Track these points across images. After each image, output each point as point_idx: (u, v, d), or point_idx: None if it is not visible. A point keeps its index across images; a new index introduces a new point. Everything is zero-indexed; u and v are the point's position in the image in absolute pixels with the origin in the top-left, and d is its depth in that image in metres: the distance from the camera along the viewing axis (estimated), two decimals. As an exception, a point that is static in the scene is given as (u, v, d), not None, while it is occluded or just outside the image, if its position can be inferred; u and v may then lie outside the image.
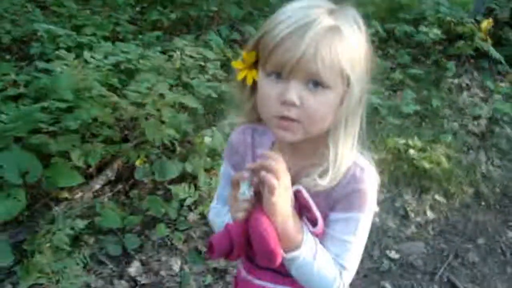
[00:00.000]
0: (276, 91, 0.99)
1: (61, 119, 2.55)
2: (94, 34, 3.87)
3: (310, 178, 1.06)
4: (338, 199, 1.08)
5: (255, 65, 1.06)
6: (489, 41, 4.30)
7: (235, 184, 1.03)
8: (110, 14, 4.16)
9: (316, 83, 0.97)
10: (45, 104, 2.65)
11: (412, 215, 2.99)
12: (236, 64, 1.08)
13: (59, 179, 2.41)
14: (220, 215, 1.22)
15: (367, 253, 2.72)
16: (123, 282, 2.31)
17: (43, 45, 3.53)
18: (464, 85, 4.16)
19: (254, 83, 1.07)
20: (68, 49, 3.63)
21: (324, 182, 1.04)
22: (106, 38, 3.89)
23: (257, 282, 1.19)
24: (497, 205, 3.22)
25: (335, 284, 1.09)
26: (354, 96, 1.01)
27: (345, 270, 1.11)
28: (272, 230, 1.00)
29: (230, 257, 1.08)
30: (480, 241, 2.93)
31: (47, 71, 3.14)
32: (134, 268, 2.36)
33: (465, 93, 4.05)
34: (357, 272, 2.78)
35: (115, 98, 2.46)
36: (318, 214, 1.08)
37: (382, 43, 4.58)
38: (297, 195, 1.07)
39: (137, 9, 4.51)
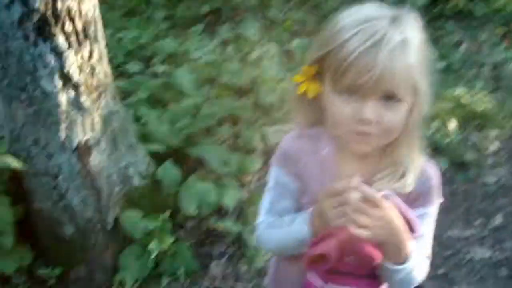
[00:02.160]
0: (351, 110, 1.00)
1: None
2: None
3: (386, 182, 1.09)
4: (416, 198, 1.12)
5: (314, 76, 1.06)
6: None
7: (339, 192, 1.00)
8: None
9: (390, 98, 0.99)
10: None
11: (484, 147, 3.64)
12: (297, 79, 1.08)
13: (248, 165, 2.64)
14: (276, 226, 1.20)
15: (477, 183, 3.32)
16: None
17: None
18: (456, 41, 4.90)
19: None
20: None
21: (410, 186, 1.09)
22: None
23: None
24: (533, 134, 3.97)
25: (422, 278, 1.15)
26: (424, 103, 1.05)
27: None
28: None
29: (337, 265, 1.05)
30: (540, 162, 3.66)
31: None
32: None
33: (462, 47, 4.79)
34: (475, 197, 3.32)
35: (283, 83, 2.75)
36: (415, 217, 1.07)
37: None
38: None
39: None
